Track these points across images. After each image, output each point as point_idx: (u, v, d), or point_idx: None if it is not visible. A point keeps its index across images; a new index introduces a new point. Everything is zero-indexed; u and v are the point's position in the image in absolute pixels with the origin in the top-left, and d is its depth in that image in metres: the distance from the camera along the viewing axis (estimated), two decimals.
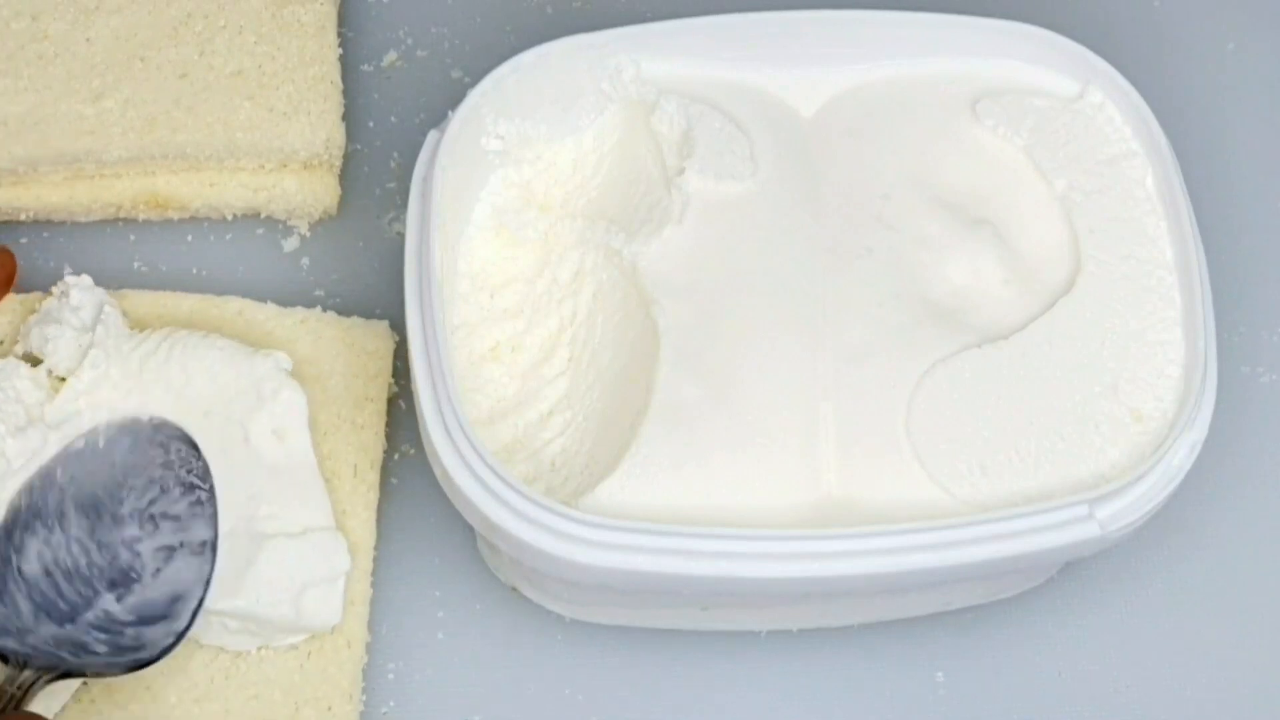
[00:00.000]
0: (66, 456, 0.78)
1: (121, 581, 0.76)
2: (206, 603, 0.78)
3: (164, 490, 0.77)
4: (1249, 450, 0.88)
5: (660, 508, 0.75)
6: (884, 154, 0.83)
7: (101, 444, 0.78)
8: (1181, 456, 0.76)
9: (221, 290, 0.87)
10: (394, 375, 0.86)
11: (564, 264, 0.81)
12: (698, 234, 0.80)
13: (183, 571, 0.76)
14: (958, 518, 0.74)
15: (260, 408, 0.81)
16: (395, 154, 0.92)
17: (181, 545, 0.77)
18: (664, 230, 0.80)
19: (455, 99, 0.81)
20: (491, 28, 0.95)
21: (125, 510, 0.77)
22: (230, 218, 0.90)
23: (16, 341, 0.84)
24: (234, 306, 0.86)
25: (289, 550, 0.79)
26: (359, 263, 0.90)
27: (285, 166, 0.89)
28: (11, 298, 0.85)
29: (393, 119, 0.93)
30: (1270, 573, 0.86)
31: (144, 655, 0.75)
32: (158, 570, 0.76)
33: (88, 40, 0.89)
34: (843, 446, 0.77)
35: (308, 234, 0.90)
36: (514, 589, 0.83)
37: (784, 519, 0.75)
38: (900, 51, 0.84)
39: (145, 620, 0.75)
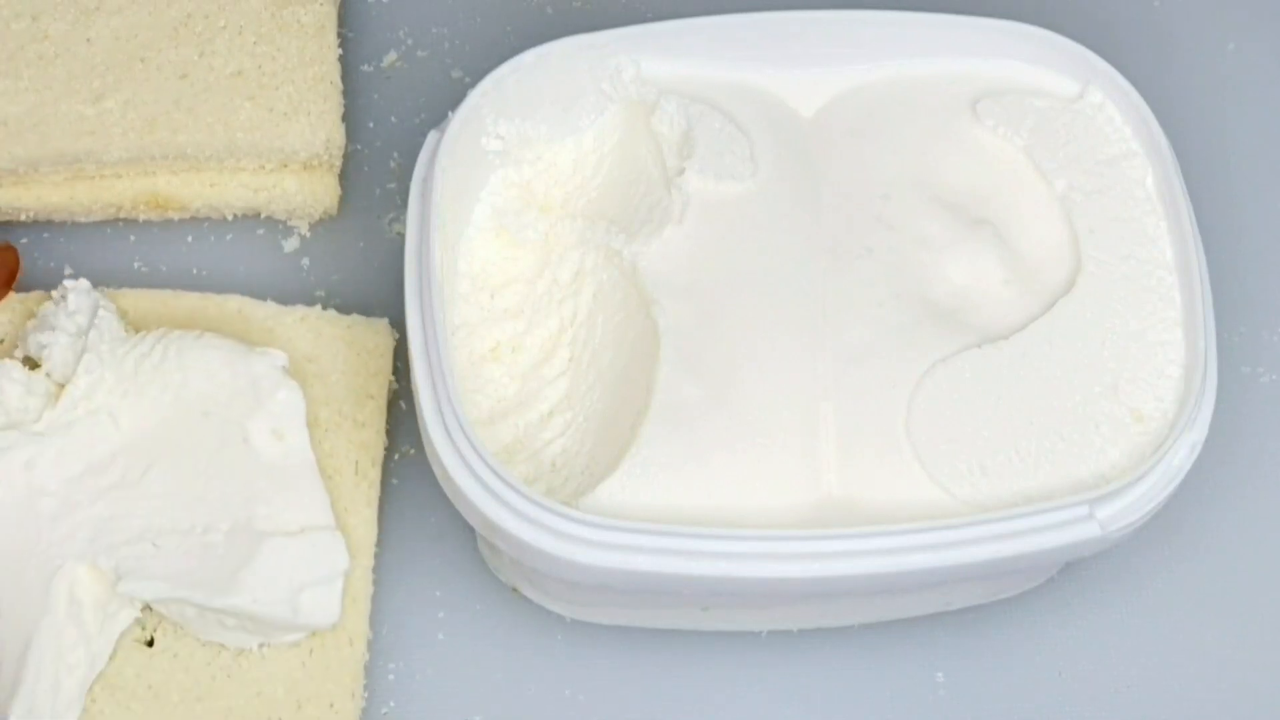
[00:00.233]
0: None
1: None
2: (203, 599, 0.78)
3: None
4: (1249, 450, 0.88)
5: (661, 508, 0.75)
6: (884, 154, 0.83)
7: None
8: (1182, 457, 0.76)
9: (222, 290, 0.87)
10: (394, 375, 0.86)
11: (564, 264, 0.81)
12: (698, 234, 0.80)
13: None
14: (958, 518, 0.74)
15: (258, 407, 0.81)
16: (395, 154, 0.92)
17: None
18: (664, 230, 0.80)
19: (455, 99, 0.81)
20: (492, 28, 0.95)
21: None
22: (230, 218, 0.90)
23: (16, 344, 0.84)
24: (234, 304, 0.86)
25: (287, 549, 0.79)
26: (359, 263, 0.90)
27: (285, 167, 0.89)
28: (12, 296, 0.85)
29: (393, 119, 0.93)
30: (1270, 573, 0.86)
31: None
32: None
33: (88, 41, 0.89)
34: (843, 446, 0.77)
35: (308, 234, 0.91)
36: (514, 589, 0.83)
37: (784, 519, 0.75)
38: (900, 52, 0.84)
39: None
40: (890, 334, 0.79)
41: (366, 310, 0.87)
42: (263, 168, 0.89)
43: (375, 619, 0.82)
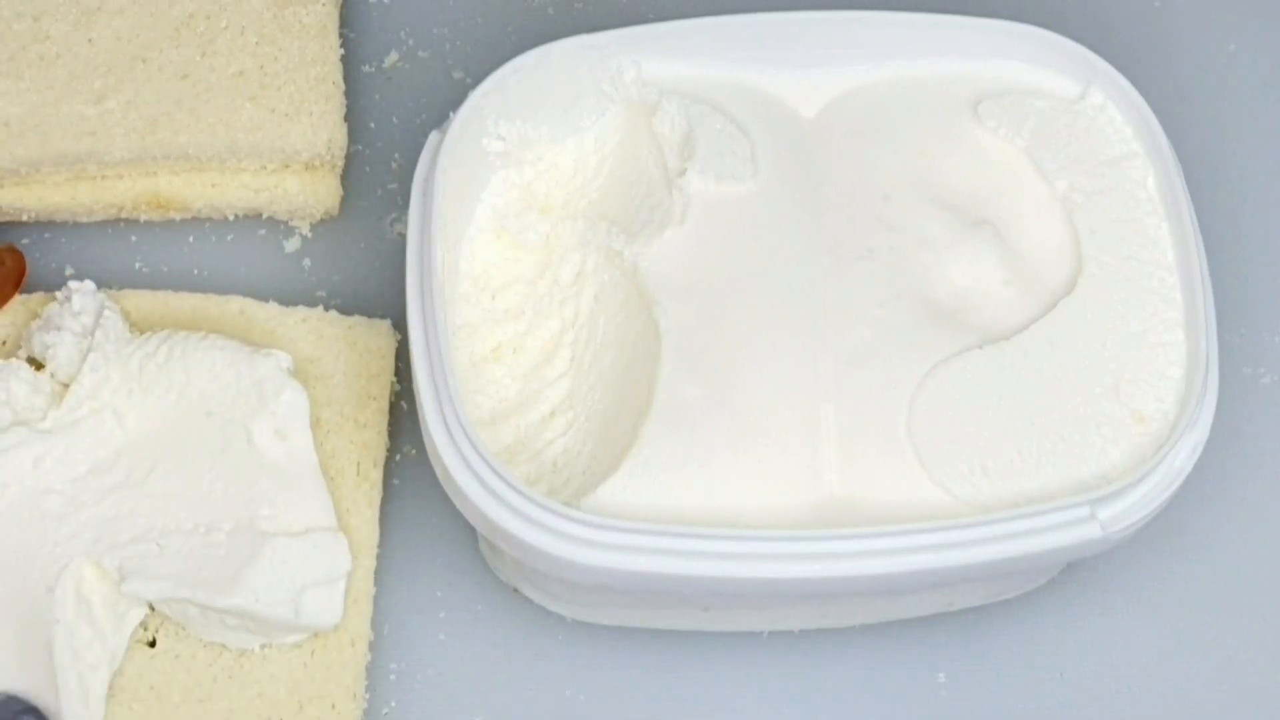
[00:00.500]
0: None
1: None
2: (205, 599, 0.78)
3: None
4: (1250, 451, 0.88)
5: (662, 508, 0.75)
6: (885, 155, 0.83)
7: None
8: (1183, 458, 0.76)
9: (223, 291, 0.87)
10: (396, 375, 0.86)
11: (565, 265, 0.81)
12: (699, 235, 0.80)
13: None
14: (959, 518, 0.74)
15: (262, 408, 0.81)
16: (397, 155, 0.92)
17: None
18: (665, 231, 0.80)
19: (457, 100, 0.81)
20: (493, 29, 0.95)
21: None
22: (232, 218, 0.90)
23: (20, 344, 0.84)
24: (235, 306, 0.86)
25: (290, 550, 0.79)
26: (360, 264, 0.90)
27: (287, 167, 0.89)
28: (16, 297, 0.85)
29: (394, 120, 0.93)
30: (1271, 574, 0.86)
31: None
32: None
33: (90, 41, 0.89)
34: (844, 447, 0.77)
35: (309, 235, 0.91)
36: (516, 589, 0.83)
37: (785, 519, 0.75)
38: (901, 52, 0.84)
39: None
40: (891, 334, 0.79)
41: (368, 310, 0.87)
42: (264, 168, 0.89)
43: (377, 619, 0.82)
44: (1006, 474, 0.77)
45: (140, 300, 0.86)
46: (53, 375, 0.82)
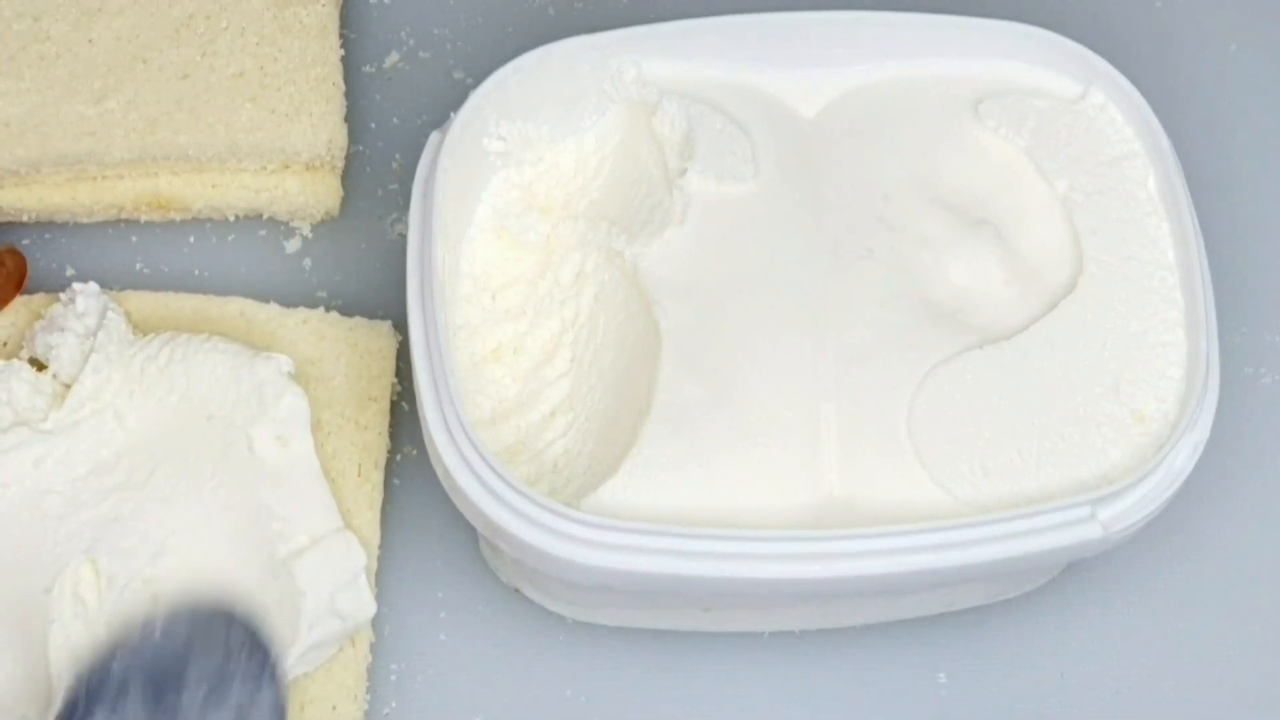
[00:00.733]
0: (123, 649, 0.75)
1: None
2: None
3: (223, 679, 0.74)
4: (1251, 451, 0.88)
5: (662, 508, 0.75)
6: (885, 155, 0.83)
7: (157, 635, 0.75)
8: (1183, 458, 0.76)
9: (224, 291, 0.87)
10: (396, 376, 0.86)
11: (566, 265, 0.81)
12: (699, 235, 0.80)
13: None
14: (959, 519, 0.74)
15: (263, 414, 0.81)
16: (397, 155, 0.92)
17: None
18: (665, 231, 0.80)
19: (457, 100, 0.81)
20: (493, 29, 0.95)
21: (184, 701, 0.74)
22: (232, 219, 0.90)
23: (21, 345, 0.84)
24: (236, 307, 0.86)
25: (309, 565, 0.79)
26: (361, 264, 0.90)
27: (287, 168, 0.89)
28: (16, 298, 0.85)
29: (395, 120, 0.93)
30: (1272, 574, 0.86)
31: None
32: None
33: (90, 42, 0.89)
34: (844, 447, 0.77)
35: (310, 235, 0.91)
36: (516, 590, 0.83)
37: (785, 520, 0.75)
38: (902, 52, 0.84)
39: None
40: (891, 335, 0.79)
41: (368, 311, 0.87)
42: (265, 169, 0.89)
43: (377, 620, 0.82)
44: (1007, 474, 0.77)
45: (141, 301, 0.86)
46: (55, 376, 0.82)
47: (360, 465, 0.83)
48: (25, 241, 0.89)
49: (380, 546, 0.83)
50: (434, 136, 0.81)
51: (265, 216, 0.90)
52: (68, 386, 0.81)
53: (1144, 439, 0.77)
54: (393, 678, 0.82)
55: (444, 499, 0.76)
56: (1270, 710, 0.84)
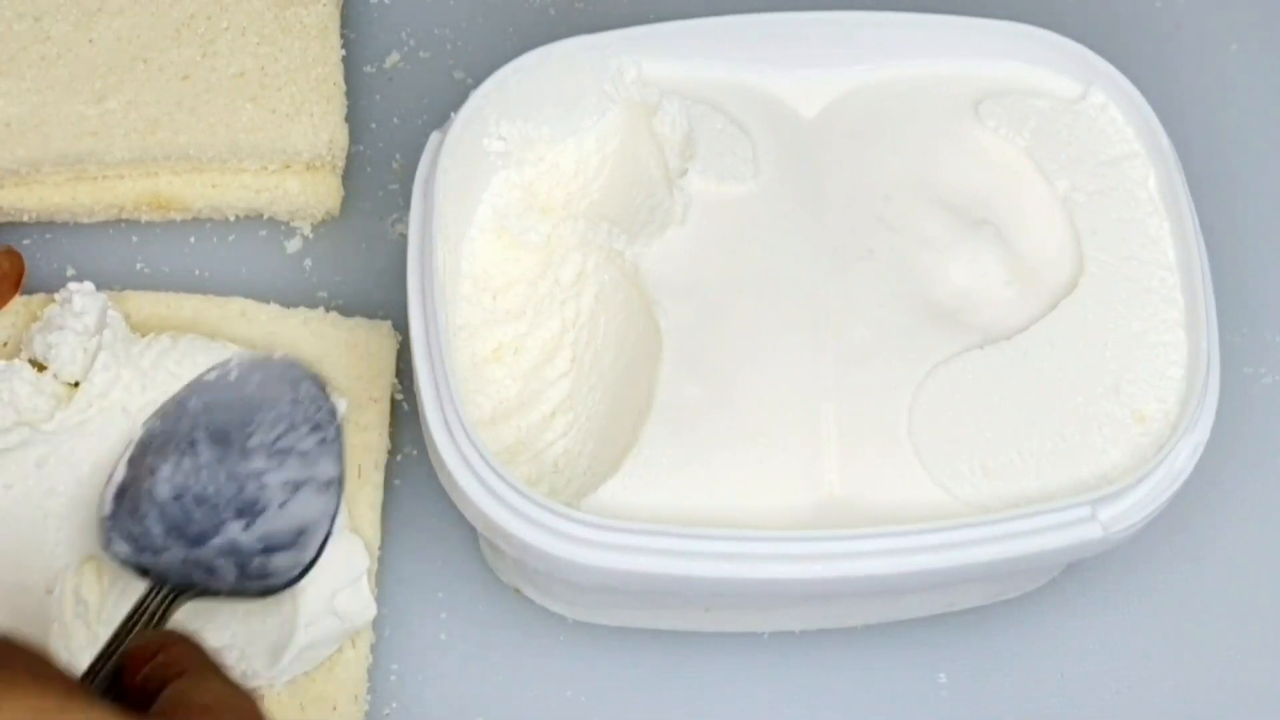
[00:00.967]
0: (198, 386, 0.79)
1: (248, 511, 0.76)
2: (263, 665, 0.78)
3: (292, 427, 0.77)
4: (1251, 452, 0.88)
5: (662, 508, 0.75)
6: (886, 155, 0.83)
7: (232, 377, 0.78)
8: (1184, 458, 0.76)
9: (224, 291, 0.87)
10: (397, 376, 0.86)
11: (566, 266, 0.81)
12: (700, 235, 0.80)
13: (308, 506, 0.76)
14: (960, 519, 0.74)
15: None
16: (398, 155, 0.92)
17: (308, 480, 0.77)
18: (666, 231, 0.80)
19: (458, 100, 0.81)
20: (494, 29, 0.95)
21: (253, 443, 0.77)
22: (233, 219, 0.90)
23: (21, 346, 0.84)
24: (236, 307, 0.86)
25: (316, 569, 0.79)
26: (362, 264, 0.90)
27: (288, 168, 0.89)
28: (16, 299, 0.85)
29: (395, 120, 0.93)
30: (1273, 574, 0.86)
31: (272, 582, 0.76)
32: (283, 503, 0.76)
33: (90, 42, 0.89)
34: (845, 447, 0.77)
35: (310, 235, 0.91)
36: (517, 590, 0.83)
37: (786, 520, 0.75)
38: (902, 53, 0.84)
39: (271, 549, 0.76)
40: (892, 335, 0.79)
41: (369, 311, 0.87)
42: (265, 169, 0.89)
43: (378, 620, 0.82)
44: (1007, 474, 0.77)
45: (141, 301, 0.86)
46: (55, 376, 0.82)
47: (360, 465, 0.83)
48: (26, 241, 0.89)
49: (380, 547, 0.83)
50: (434, 136, 0.81)
51: (266, 216, 0.90)
52: (69, 386, 0.81)
53: (1144, 439, 0.77)
54: (393, 678, 0.82)
55: (444, 500, 0.76)
56: (1270, 710, 0.84)
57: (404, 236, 0.86)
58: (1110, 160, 0.83)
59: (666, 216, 0.80)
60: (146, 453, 0.78)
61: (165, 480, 0.77)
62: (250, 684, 0.78)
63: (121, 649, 0.68)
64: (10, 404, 0.80)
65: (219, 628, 0.78)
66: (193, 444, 0.78)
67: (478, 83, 0.81)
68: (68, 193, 0.88)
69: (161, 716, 0.61)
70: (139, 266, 0.89)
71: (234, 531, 0.76)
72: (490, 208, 0.82)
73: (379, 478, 0.83)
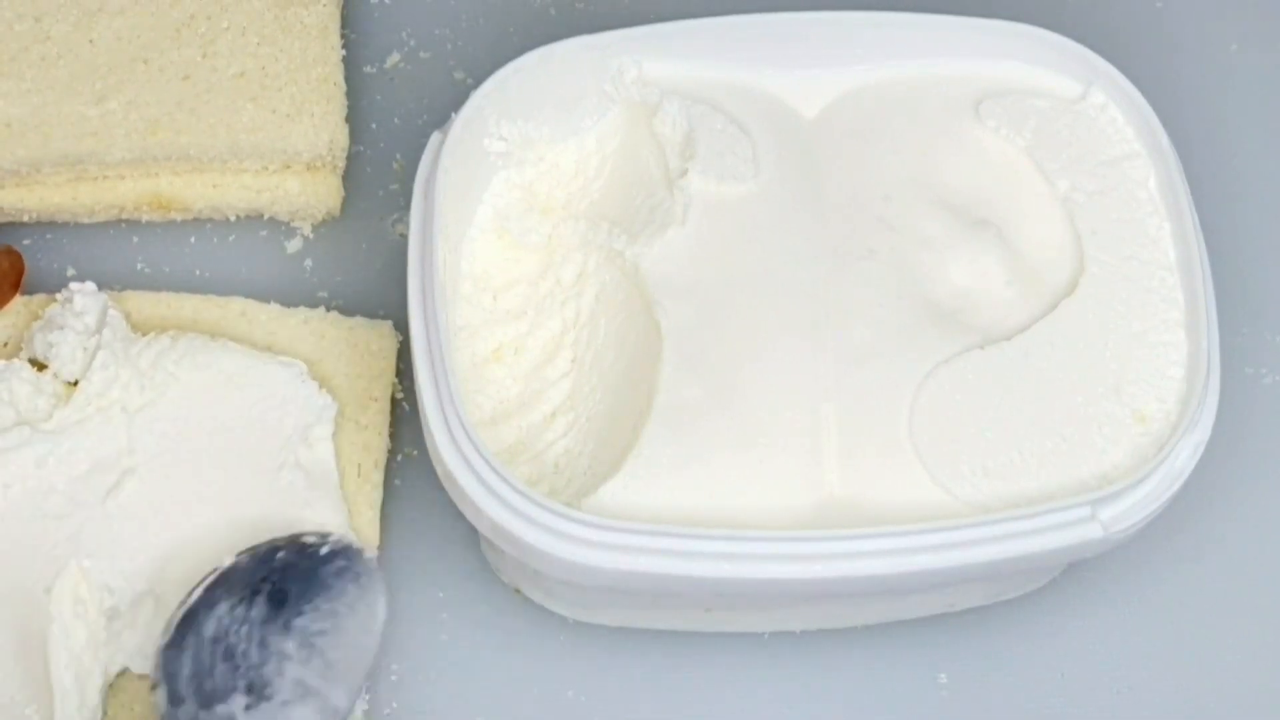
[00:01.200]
0: (293, 543, 0.78)
1: (256, 692, 0.75)
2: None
3: (336, 629, 0.77)
4: (1252, 452, 0.88)
5: (663, 509, 0.75)
6: (886, 155, 0.83)
7: (324, 551, 0.78)
8: (1184, 458, 0.76)
9: (224, 291, 0.87)
10: (397, 376, 0.86)
11: (567, 266, 0.81)
12: (700, 235, 0.80)
13: (305, 718, 0.76)
14: (960, 519, 0.74)
15: (285, 416, 0.81)
16: (398, 155, 0.92)
17: (317, 694, 0.76)
18: (666, 232, 0.80)
19: (458, 100, 0.81)
20: (494, 29, 0.95)
21: (298, 623, 0.76)
22: (233, 219, 0.90)
23: (21, 345, 0.84)
24: (237, 307, 0.86)
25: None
26: (362, 264, 0.90)
27: (288, 168, 0.89)
28: (17, 299, 0.86)
29: (396, 120, 0.93)
30: (1273, 574, 0.86)
31: None
32: (286, 702, 0.75)
33: (90, 42, 0.89)
34: (845, 448, 0.77)
35: (311, 235, 0.91)
36: (517, 590, 0.83)
37: (786, 520, 0.75)
38: (902, 53, 0.84)
39: None
40: (892, 335, 0.79)
41: (369, 310, 0.87)
42: (265, 169, 0.89)
43: None
44: (1007, 474, 0.77)
45: (141, 301, 0.86)
46: (55, 375, 0.82)
47: (360, 465, 0.83)
48: (26, 241, 0.89)
49: (380, 546, 0.83)
50: (435, 137, 0.81)
51: (266, 217, 0.90)
52: (69, 386, 0.81)
53: (1144, 439, 0.77)
54: (393, 678, 0.82)
55: (444, 500, 0.76)
56: (1270, 710, 0.84)
57: (404, 236, 0.86)
58: (1110, 160, 0.83)
59: (667, 216, 0.80)
60: (218, 586, 0.77)
61: (217, 617, 0.76)
62: None
63: None
64: (10, 403, 0.81)
65: None
66: (255, 594, 0.77)
67: (478, 83, 0.81)
68: (68, 193, 0.88)
69: None
70: (139, 266, 0.89)
71: (236, 706, 0.75)
72: (491, 208, 0.82)
73: (379, 477, 0.83)
